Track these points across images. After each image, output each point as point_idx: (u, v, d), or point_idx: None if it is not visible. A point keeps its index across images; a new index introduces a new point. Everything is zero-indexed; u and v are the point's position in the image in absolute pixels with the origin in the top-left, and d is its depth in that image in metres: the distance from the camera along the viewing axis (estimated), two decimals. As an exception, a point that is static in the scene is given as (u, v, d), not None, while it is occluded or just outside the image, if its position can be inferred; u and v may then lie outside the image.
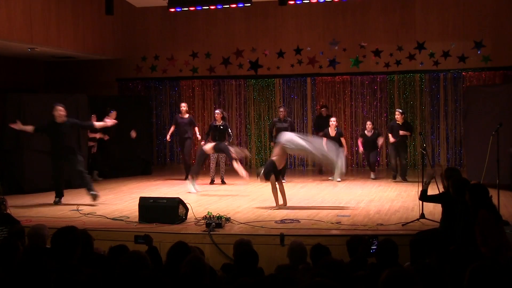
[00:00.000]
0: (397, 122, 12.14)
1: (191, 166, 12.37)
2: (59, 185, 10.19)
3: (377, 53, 14.51)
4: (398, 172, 12.23)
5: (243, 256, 4.97)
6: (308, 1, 12.84)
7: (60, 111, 9.93)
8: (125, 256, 4.04)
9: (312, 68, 14.94)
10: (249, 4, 12.16)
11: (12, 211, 8.52)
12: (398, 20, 14.39)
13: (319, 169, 13.71)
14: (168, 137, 13.25)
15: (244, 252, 5.04)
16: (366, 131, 12.73)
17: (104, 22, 14.10)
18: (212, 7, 12.90)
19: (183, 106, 13.07)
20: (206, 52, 15.42)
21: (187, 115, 13.01)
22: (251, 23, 15.14)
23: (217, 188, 11.81)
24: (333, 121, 12.49)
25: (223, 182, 12.33)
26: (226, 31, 15.30)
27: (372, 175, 12.66)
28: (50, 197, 10.95)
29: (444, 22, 14.14)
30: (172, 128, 13.08)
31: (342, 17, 14.66)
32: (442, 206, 6.83)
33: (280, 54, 15.04)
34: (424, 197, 7.23)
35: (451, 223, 6.45)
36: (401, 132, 12.05)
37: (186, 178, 12.35)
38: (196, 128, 13.16)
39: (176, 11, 13.35)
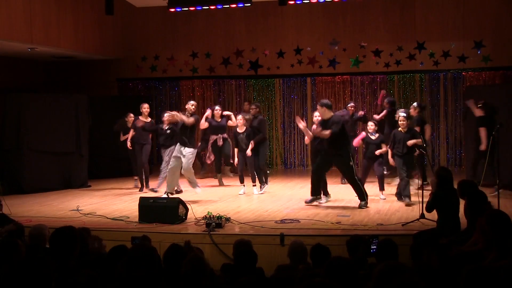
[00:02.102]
0: (400, 129, 9.49)
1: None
2: (319, 184, 9.41)
3: (377, 53, 14.50)
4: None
5: (243, 256, 4.98)
6: (308, 1, 12.84)
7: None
8: (134, 249, 4.06)
9: (312, 68, 14.93)
10: (249, 4, 12.17)
11: (12, 211, 8.55)
12: (398, 20, 14.38)
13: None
14: (128, 144, 11.51)
15: (243, 252, 5.05)
16: (368, 134, 10.22)
17: (104, 22, 14.10)
18: (212, 7, 12.91)
19: (145, 108, 11.50)
20: (206, 52, 15.42)
21: (149, 119, 11.56)
22: (251, 23, 15.14)
23: (217, 189, 11.80)
24: (317, 116, 9.78)
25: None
26: (226, 31, 15.30)
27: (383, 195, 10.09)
28: (50, 197, 11.00)
29: (444, 22, 14.13)
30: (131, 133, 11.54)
31: (342, 17, 14.65)
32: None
33: (280, 54, 15.04)
34: (430, 208, 6.97)
35: (445, 219, 6.56)
36: (409, 143, 9.30)
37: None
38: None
39: (176, 11, 13.35)
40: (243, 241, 5.58)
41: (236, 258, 5.09)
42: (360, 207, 9.20)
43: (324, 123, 9.18)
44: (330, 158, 9.26)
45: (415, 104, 11.14)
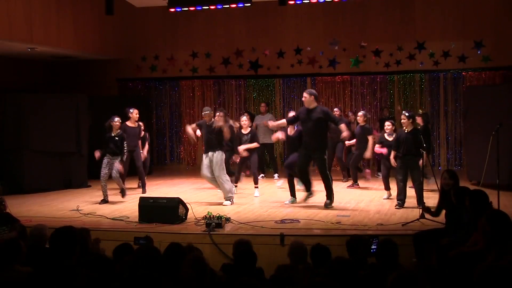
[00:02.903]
0: (404, 128, 9.14)
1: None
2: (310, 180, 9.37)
3: (377, 53, 14.50)
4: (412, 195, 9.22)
5: (243, 256, 4.98)
6: (308, 1, 12.83)
7: None
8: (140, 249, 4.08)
9: (312, 68, 14.93)
10: (249, 4, 12.15)
11: (12, 211, 8.53)
12: (398, 20, 14.38)
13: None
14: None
15: (243, 252, 5.05)
16: (385, 134, 9.96)
17: (104, 22, 14.09)
18: (212, 7, 12.90)
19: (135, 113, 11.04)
20: (206, 52, 15.42)
21: (136, 124, 11.26)
22: (251, 23, 15.14)
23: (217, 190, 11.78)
24: (290, 115, 9.95)
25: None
26: (226, 31, 15.30)
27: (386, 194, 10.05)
28: (50, 197, 11.00)
29: (444, 22, 14.13)
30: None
31: (342, 17, 14.65)
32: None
33: (280, 54, 15.04)
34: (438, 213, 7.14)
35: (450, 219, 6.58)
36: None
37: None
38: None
39: (176, 11, 13.35)
40: (243, 241, 5.58)
41: (236, 258, 5.09)
42: (325, 206, 9.15)
43: (308, 112, 9.13)
44: (311, 153, 9.16)
45: (363, 112, 11.37)
